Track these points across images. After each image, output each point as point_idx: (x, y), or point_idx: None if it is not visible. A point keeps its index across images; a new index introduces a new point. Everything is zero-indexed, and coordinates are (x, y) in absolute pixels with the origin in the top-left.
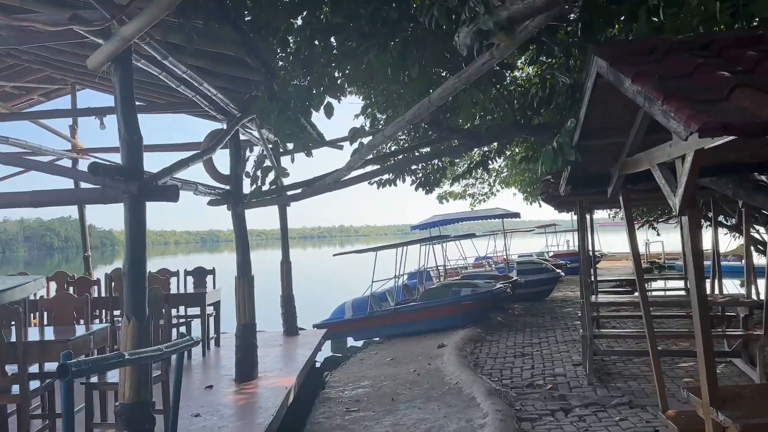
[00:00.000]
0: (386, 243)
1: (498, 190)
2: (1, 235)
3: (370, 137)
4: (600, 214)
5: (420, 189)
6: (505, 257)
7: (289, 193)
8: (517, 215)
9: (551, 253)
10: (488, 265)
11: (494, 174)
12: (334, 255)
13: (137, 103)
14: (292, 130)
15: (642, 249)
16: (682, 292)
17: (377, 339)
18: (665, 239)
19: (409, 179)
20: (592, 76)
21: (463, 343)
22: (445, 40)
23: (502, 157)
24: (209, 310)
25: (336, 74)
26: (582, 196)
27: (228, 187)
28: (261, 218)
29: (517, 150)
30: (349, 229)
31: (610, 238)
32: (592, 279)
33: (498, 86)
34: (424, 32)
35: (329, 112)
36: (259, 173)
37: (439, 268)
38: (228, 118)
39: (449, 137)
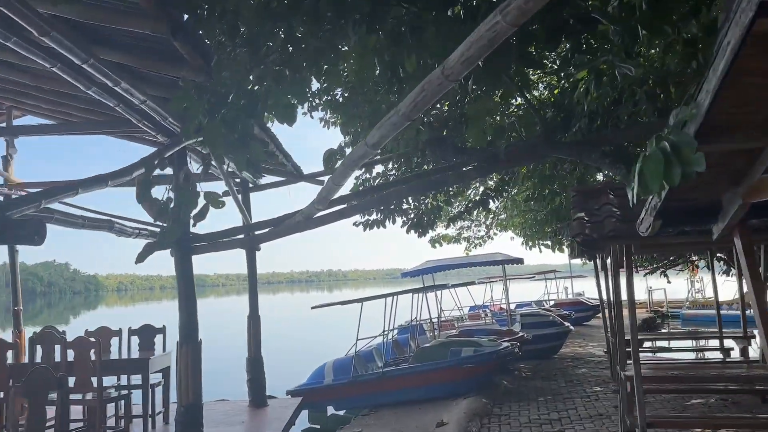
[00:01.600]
0: (376, 288)
1: (495, 234)
2: None
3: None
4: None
5: (412, 231)
6: (505, 307)
7: (258, 232)
8: (520, 261)
9: (552, 302)
10: (485, 315)
11: (491, 216)
12: (312, 308)
13: (45, 122)
14: (229, 137)
15: (644, 296)
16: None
17: (363, 410)
18: (668, 287)
19: (399, 220)
20: (744, 17)
21: (467, 419)
22: (450, 25)
23: (500, 199)
24: (156, 378)
25: (300, 61)
26: (667, 236)
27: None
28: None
29: (519, 189)
30: (337, 273)
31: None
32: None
33: (523, 90)
34: (425, 14)
35: (290, 116)
36: (172, 204)
37: (433, 321)
38: (172, 138)
39: (455, 160)
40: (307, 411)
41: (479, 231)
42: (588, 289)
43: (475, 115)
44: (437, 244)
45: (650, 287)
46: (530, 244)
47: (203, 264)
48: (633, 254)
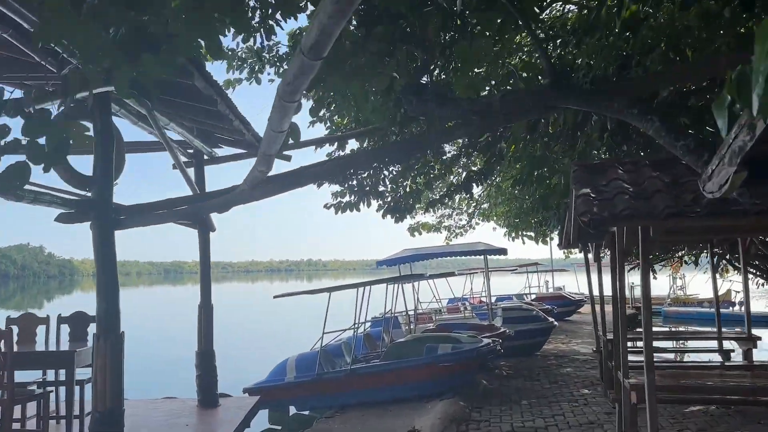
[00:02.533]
0: (355, 278)
1: (477, 223)
2: None
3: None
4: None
5: (388, 216)
6: (485, 300)
7: (199, 204)
8: (503, 251)
9: (533, 296)
10: (465, 309)
11: (473, 204)
12: (275, 297)
13: None
14: (99, 37)
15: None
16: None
17: (328, 411)
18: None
19: (375, 204)
20: None
21: (442, 425)
22: None
23: (485, 183)
24: (84, 373)
25: None
26: (696, 217)
27: (89, 194)
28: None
29: (504, 175)
30: (317, 262)
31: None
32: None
33: (528, 21)
34: None
35: (214, 44)
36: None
37: (409, 313)
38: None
39: (436, 114)
40: (267, 410)
41: (461, 220)
42: (568, 283)
43: (464, 58)
44: (416, 233)
45: (632, 283)
46: (513, 235)
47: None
48: (650, 239)
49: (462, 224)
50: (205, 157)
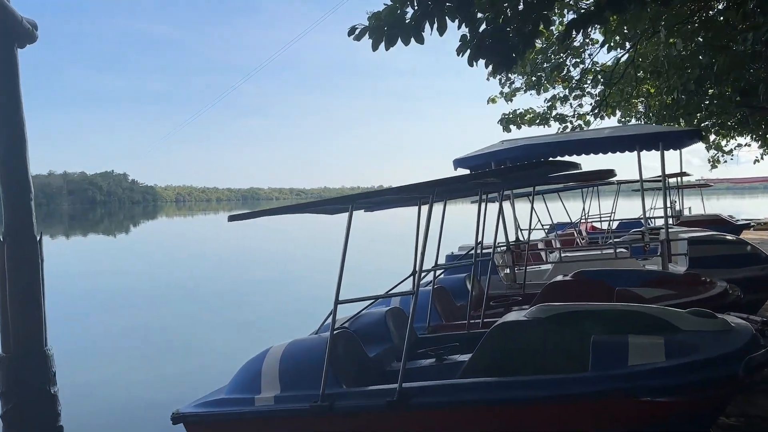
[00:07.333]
0: None
1: (611, 112)
2: (45, 189)
3: None
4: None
5: (479, 64)
6: (599, 227)
7: None
8: (695, 135)
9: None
10: (580, 237)
11: (600, 78)
12: (229, 219)
13: None
14: None
15: None
16: None
17: None
18: None
19: (455, 30)
20: None
21: None
22: None
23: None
24: None
25: None
26: None
27: None
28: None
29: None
30: (389, 189)
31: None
32: None
33: None
34: None
35: None
36: None
37: (511, 246)
38: None
39: None
40: None
41: (579, 107)
42: (694, 205)
43: None
44: (512, 126)
45: None
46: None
47: (257, 178)
48: None
49: (581, 112)
50: None
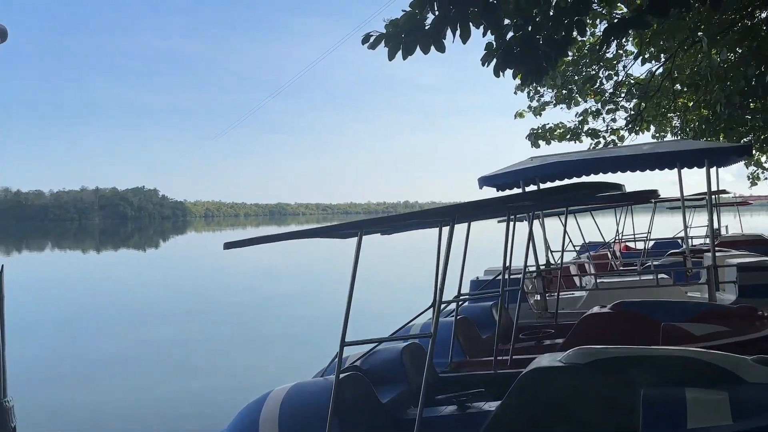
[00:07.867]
0: None
1: (645, 127)
2: (77, 204)
3: None
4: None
5: (505, 74)
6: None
7: None
8: (746, 151)
9: (705, 241)
10: (615, 259)
11: (635, 92)
12: (225, 247)
13: None
14: None
15: None
16: None
17: None
18: None
19: (479, 37)
20: None
21: None
22: None
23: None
24: None
25: None
26: None
27: None
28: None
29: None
30: (414, 205)
31: None
32: None
33: None
34: None
35: None
36: None
37: (541, 269)
38: None
39: None
40: None
41: (614, 120)
42: (731, 224)
43: None
44: (541, 141)
45: None
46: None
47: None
48: None
49: (615, 127)
50: None
